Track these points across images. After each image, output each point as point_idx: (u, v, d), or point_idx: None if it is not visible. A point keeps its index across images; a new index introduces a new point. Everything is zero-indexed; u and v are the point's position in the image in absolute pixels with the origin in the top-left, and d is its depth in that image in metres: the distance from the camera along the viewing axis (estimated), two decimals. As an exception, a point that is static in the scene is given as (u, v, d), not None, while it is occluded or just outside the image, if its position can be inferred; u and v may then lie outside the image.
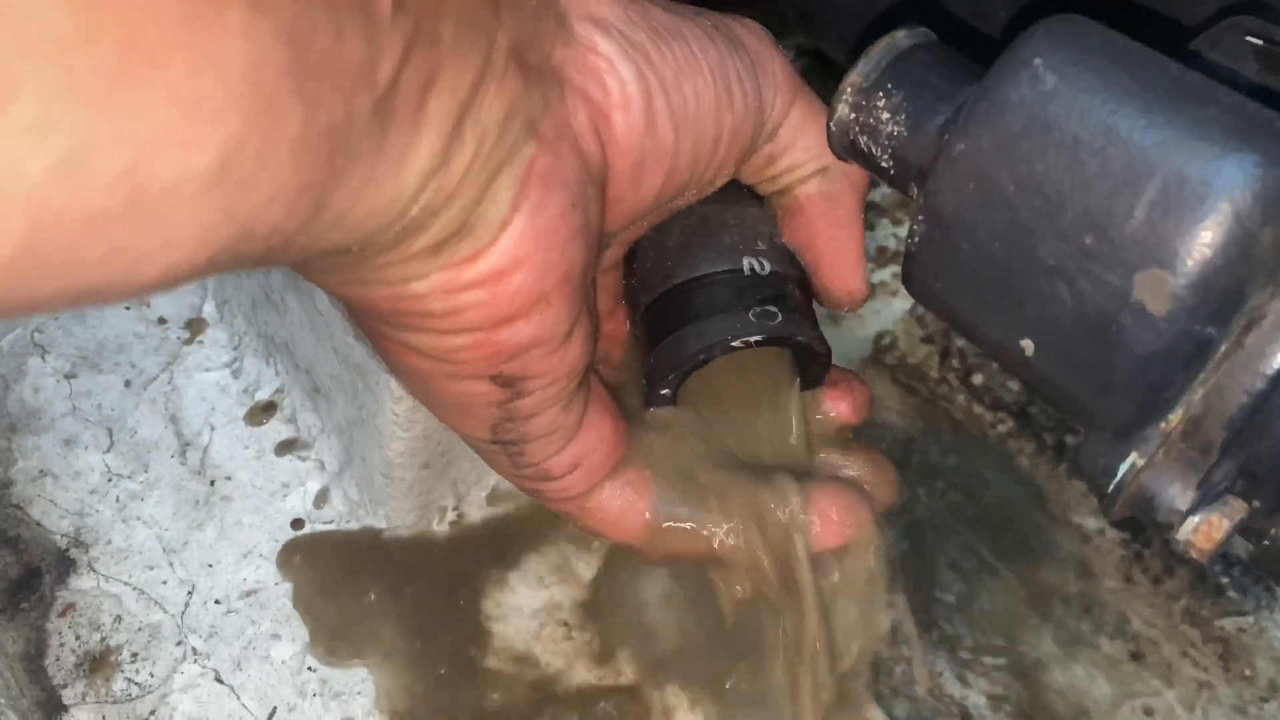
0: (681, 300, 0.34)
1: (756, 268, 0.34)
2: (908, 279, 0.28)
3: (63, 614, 0.45)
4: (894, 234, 0.66)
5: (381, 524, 0.48)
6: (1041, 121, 0.24)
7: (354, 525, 0.48)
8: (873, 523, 0.36)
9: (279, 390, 0.51)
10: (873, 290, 0.64)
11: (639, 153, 0.29)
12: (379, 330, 0.29)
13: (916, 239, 0.27)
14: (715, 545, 0.35)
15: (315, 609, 0.46)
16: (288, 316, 0.48)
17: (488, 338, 0.28)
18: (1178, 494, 0.25)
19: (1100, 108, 0.24)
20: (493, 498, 0.49)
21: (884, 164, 0.28)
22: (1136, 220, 0.23)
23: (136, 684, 0.43)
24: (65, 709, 0.42)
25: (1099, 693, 0.54)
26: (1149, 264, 0.23)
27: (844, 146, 0.29)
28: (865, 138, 0.28)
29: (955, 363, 0.69)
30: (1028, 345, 0.26)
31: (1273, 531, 0.26)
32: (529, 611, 0.46)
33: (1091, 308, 0.24)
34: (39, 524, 0.47)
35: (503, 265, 0.27)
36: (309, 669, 0.44)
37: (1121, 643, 0.56)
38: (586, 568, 0.47)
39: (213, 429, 0.51)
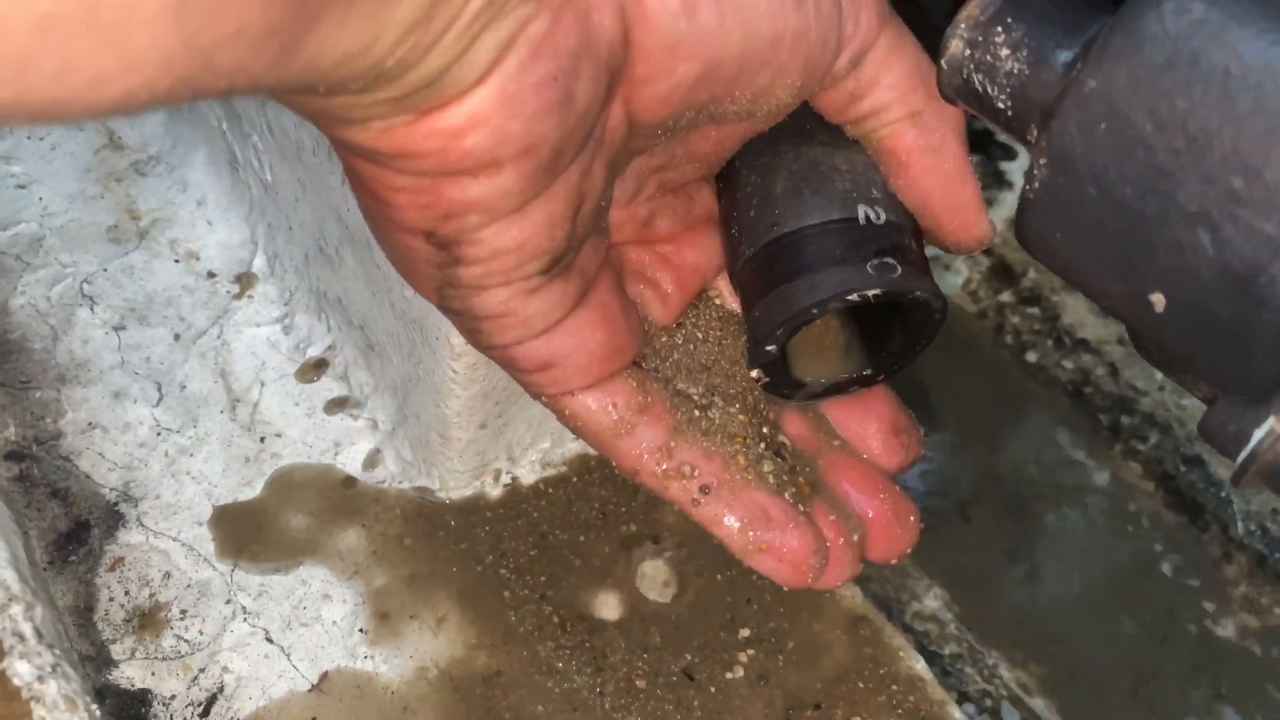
0: (790, 250, 0.32)
1: (872, 216, 0.32)
2: (1022, 229, 0.27)
3: (111, 568, 0.44)
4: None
5: (434, 485, 0.46)
6: (1187, 54, 0.23)
7: (406, 486, 0.47)
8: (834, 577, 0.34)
9: (330, 347, 0.50)
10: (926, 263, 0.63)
11: (673, 35, 0.27)
12: (340, 153, 0.28)
13: (1036, 185, 0.25)
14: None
15: (366, 570, 0.44)
16: (342, 271, 0.47)
17: (428, 186, 0.27)
18: (1320, 462, 0.23)
19: (1256, 39, 0.22)
20: (546, 461, 0.47)
21: (1000, 105, 0.27)
22: (1295, 161, 0.21)
23: (186, 641, 0.42)
24: (115, 664, 0.41)
25: (1153, 675, 0.53)
26: (1308, 209, 0.21)
27: (955, 88, 0.28)
28: (981, 76, 0.27)
29: (1009, 339, 0.67)
30: (1158, 300, 0.24)
31: None
32: (585, 571, 0.45)
33: (1237, 257, 0.22)
34: (88, 476, 0.46)
35: (460, 125, 0.25)
36: (360, 630, 0.43)
37: (1177, 627, 0.54)
38: (647, 546, 0.46)
39: (263, 385, 0.50)
